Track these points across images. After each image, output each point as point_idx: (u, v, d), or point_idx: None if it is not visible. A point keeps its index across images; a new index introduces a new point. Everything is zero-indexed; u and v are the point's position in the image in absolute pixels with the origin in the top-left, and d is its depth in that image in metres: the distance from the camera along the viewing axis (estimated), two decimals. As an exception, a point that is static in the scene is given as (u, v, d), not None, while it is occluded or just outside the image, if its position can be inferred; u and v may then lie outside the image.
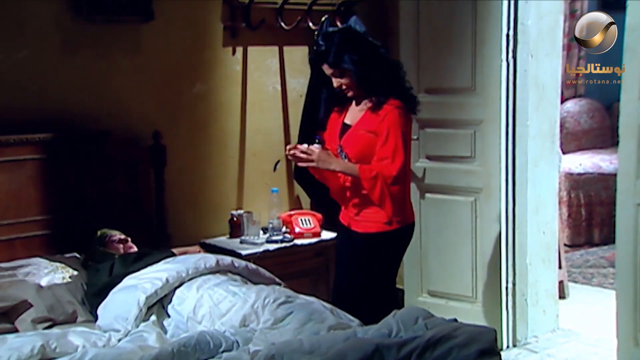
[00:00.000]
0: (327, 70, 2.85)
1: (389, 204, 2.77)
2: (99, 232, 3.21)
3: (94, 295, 2.82)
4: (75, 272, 2.96)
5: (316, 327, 2.38)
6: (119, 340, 2.51)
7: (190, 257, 2.90)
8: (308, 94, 4.03)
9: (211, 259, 2.86)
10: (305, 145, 2.78)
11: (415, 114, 2.89)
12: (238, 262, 2.95)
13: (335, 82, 2.85)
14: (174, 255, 3.07)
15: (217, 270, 2.83)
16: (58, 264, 2.99)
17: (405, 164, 2.78)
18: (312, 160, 2.75)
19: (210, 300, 2.60)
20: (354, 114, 2.92)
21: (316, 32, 4.00)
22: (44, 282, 2.83)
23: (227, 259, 2.93)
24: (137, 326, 2.55)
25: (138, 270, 2.83)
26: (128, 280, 2.75)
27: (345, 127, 2.92)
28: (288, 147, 2.84)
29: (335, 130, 2.96)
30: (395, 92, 2.81)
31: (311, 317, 2.44)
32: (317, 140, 2.85)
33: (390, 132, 2.76)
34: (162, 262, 2.88)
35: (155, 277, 2.70)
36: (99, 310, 2.71)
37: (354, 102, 2.93)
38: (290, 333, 2.36)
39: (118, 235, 3.22)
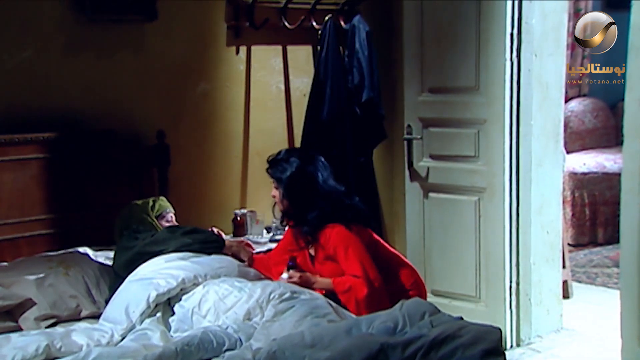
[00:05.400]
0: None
1: (364, 313, 2.73)
2: (160, 200, 3.18)
3: (124, 263, 2.83)
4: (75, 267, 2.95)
5: (316, 320, 2.39)
6: (122, 335, 2.51)
7: (215, 261, 2.86)
8: (312, 93, 4.03)
9: (234, 270, 2.83)
10: (286, 276, 2.84)
11: (358, 221, 2.90)
12: (254, 273, 2.93)
13: (273, 190, 2.95)
14: (222, 243, 3.03)
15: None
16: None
17: (374, 275, 2.77)
18: (297, 284, 2.82)
19: (216, 295, 2.60)
20: (306, 245, 2.96)
21: (320, 32, 4.01)
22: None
23: (250, 273, 2.90)
24: (142, 322, 2.56)
25: (182, 239, 2.86)
26: (147, 270, 2.74)
27: (312, 258, 2.96)
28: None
29: (307, 260, 2.98)
30: (327, 219, 2.83)
31: (312, 311, 2.45)
32: (290, 265, 2.88)
33: (343, 255, 2.79)
34: (190, 255, 2.85)
35: (172, 274, 2.68)
36: (113, 297, 2.71)
37: None
38: (290, 325, 2.35)
39: (172, 214, 3.20)
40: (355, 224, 2.89)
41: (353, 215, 2.90)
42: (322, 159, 3.00)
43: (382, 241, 3.04)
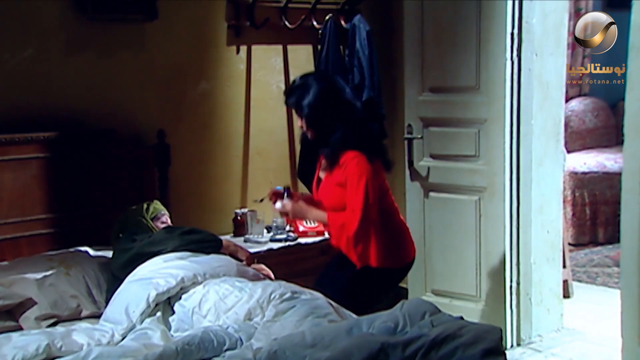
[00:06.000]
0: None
1: (352, 253, 2.79)
2: (154, 204, 3.20)
3: (123, 264, 2.83)
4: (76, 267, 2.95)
5: (317, 320, 2.39)
6: (122, 335, 2.51)
7: (214, 260, 2.86)
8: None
9: (233, 269, 2.84)
10: (279, 205, 2.88)
11: (379, 157, 2.88)
12: (253, 272, 2.93)
13: (298, 120, 2.93)
14: (219, 242, 3.03)
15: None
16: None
17: (368, 216, 2.77)
18: (287, 213, 2.89)
19: (216, 295, 2.60)
20: (324, 167, 2.95)
21: (320, 31, 4.01)
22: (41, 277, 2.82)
23: (249, 272, 2.90)
24: (142, 321, 2.56)
25: (179, 241, 2.87)
26: (146, 270, 2.74)
27: (320, 181, 2.96)
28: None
29: (314, 183, 3.01)
30: (350, 143, 2.81)
31: (313, 311, 2.45)
32: (286, 195, 2.90)
33: (355, 182, 2.77)
34: (189, 255, 2.86)
35: (171, 273, 2.68)
36: (113, 298, 2.71)
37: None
38: (291, 325, 2.35)
39: (167, 216, 3.21)
40: (378, 160, 2.86)
41: (375, 149, 2.87)
42: (339, 78, 2.97)
43: (390, 192, 3.01)
